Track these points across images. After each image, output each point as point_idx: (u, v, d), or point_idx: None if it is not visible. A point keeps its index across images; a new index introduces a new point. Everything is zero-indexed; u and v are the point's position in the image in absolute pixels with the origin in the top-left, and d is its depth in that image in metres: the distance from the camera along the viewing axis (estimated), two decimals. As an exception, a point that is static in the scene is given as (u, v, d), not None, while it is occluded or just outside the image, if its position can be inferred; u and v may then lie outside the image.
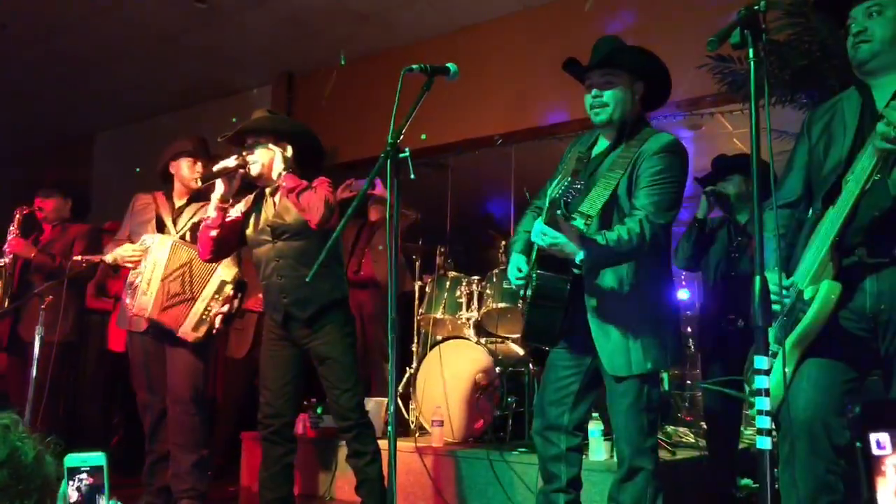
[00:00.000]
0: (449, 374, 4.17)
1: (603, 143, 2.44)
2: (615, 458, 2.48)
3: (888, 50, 1.88)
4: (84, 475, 1.24)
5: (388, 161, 2.04)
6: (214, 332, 3.37)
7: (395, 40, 5.87)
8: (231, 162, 2.93)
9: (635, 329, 2.27)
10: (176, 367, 3.36)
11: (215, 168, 2.93)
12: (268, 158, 2.96)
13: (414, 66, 2.16)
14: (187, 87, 6.83)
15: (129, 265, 3.35)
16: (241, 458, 4.36)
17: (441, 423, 3.96)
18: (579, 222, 2.16)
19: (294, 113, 6.59)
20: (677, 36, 4.65)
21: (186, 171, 3.50)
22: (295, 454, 3.08)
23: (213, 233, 2.98)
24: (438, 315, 4.51)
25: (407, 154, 2.05)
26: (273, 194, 3.03)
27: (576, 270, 2.23)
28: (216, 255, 3.10)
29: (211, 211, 2.98)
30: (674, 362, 2.37)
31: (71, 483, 1.23)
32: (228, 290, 3.37)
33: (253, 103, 6.84)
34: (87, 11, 5.47)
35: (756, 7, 1.52)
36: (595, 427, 3.37)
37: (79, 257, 3.87)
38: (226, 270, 3.38)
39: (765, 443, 1.45)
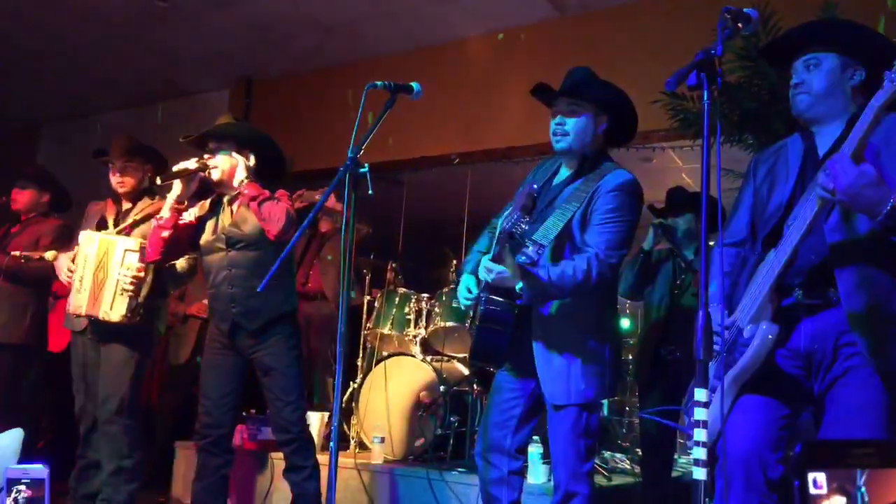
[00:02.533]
0: (393, 390, 4.15)
1: (564, 173, 2.48)
2: (552, 482, 2.51)
3: (823, 101, 1.95)
4: (23, 487, 1.19)
5: (348, 175, 2.04)
6: (139, 304, 3.16)
7: (357, 54, 5.88)
8: (192, 164, 2.89)
9: (577, 358, 2.31)
10: (105, 372, 3.24)
11: (175, 168, 2.88)
12: (229, 165, 2.94)
13: (378, 83, 2.17)
14: (142, 85, 6.70)
15: (70, 273, 3.26)
16: (173, 468, 4.26)
17: (382, 440, 3.94)
18: (531, 250, 2.20)
19: (251, 119, 6.51)
20: (632, 69, 4.78)
21: (111, 176, 3.42)
22: (231, 466, 3.02)
23: (165, 233, 2.92)
24: (385, 331, 4.49)
25: (366, 169, 2.06)
26: (231, 202, 3.00)
27: (518, 301, 2.27)
28: (165, 257, 3.03)
29: (165, 211, 2.92)
30: (613, 391, 2.42)
31: (9, 495, 1.18)
32: (131, 257, 3.16)
33: (210, 106, 6.75)
34: (43, 0, 5.33)
35: (712, 52, 1.58)
36: (534, 450, 3.40)
37: (17, 252, 3.73)
38: (132, 240, 3.23)
39: (700, 473, 1.49)
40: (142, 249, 3.16)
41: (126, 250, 3.18)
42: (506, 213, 2.34)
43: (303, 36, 5.68)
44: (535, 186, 2.39)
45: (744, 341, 1.90)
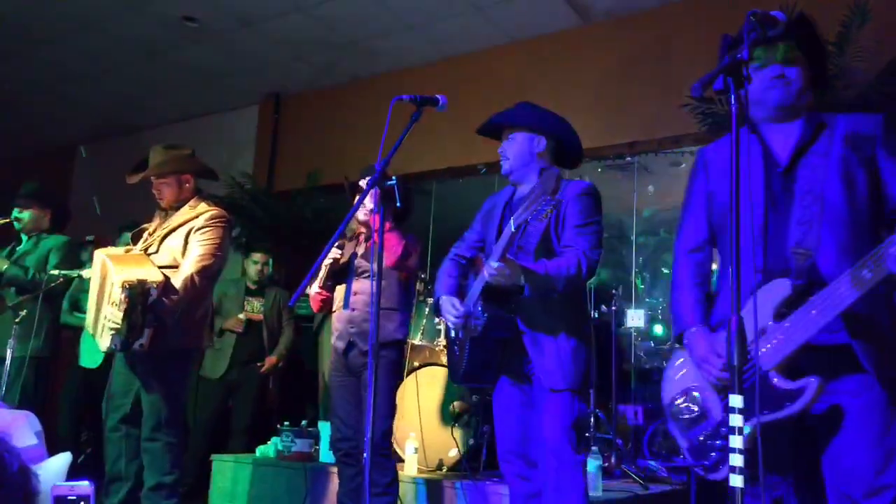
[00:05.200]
0: (425, 401, 4.16)
1: (525, 190, 2.60)
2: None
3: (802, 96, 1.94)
4: None
5: (376, 189, 2.06)
6: (135, 342, 2.95)
7: (381, 67, 5.94)
8: (336, 253, 3.25)
9: (566, 346, 2.41)
10: (144, 390, 3.23)
11: (324, 265, 3.22)
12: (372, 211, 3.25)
13: (404, 97, 2.19)
14: (173, 103, 6.84)
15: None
16: (209, 481, 4.29)
17: (415, 451, 3.94)
18: (519, 255, 2.36)
19: (280, 134, 6.60)
20: (659, 75, 4.75)
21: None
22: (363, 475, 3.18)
23: (321, 298, 3.36)
24: (416, 341, 4.50)
25: (394, 182, 2.08)
26: (367, 239, 3.34)
27: (519, 295, 2.36)
28: (326, 308, 3.43)
29: (313, 288, 3.33)
30: (591, 381, 2.50)
31: None
32: (116, 292, 2.91)
33: (240, 122, 6.86)
34: (78, 24, 5.48)
35: (739, 56, 1.57)
36: (594, 461, 3.37)
37: (56, 272, 3.81)
38: (123, 272, 2.96)
39: (738, 481, 1.47)
40: (127, 285, 2.88)
41: (112, 284, 2.95)
42: (468, 239, 2.70)
43: (329, 50, 5.75)
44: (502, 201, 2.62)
45: (779, 392, 1.78)
